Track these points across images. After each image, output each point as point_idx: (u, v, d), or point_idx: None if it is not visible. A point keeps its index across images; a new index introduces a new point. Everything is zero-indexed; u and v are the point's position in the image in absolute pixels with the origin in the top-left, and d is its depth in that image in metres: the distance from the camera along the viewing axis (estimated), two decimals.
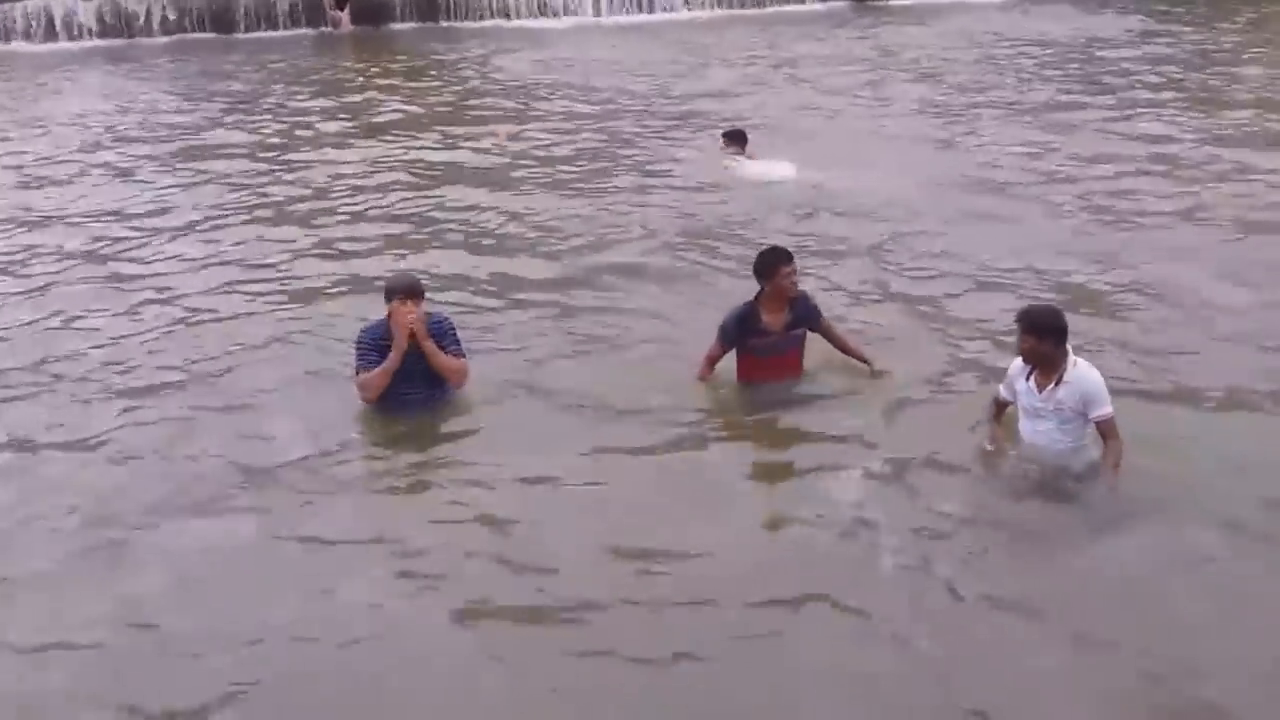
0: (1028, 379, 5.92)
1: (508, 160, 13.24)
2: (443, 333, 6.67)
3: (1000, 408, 6.21)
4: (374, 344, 6.55)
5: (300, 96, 18.40)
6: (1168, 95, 16.27)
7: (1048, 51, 20.57)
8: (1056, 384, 5.78)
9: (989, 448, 6.11)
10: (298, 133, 15.52)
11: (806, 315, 6.79)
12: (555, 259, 9.69)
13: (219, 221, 11.14)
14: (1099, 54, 20.12)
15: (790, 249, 6.88)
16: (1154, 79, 17.59)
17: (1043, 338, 5.78)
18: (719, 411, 6.75)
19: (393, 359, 6.44)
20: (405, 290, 6.49)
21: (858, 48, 21.94)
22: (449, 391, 6.74)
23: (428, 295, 6.80)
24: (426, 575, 5.35)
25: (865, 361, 6.94)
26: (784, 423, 6.59)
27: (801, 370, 6.87)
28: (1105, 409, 5.74)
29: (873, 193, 11.33)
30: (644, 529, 5.59)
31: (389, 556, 5.51)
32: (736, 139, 12.79)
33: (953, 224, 10.31)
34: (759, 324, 6.68)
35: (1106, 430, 5.75)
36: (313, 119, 16.42)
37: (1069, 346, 5.84)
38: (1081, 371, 5.78)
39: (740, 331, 6.71)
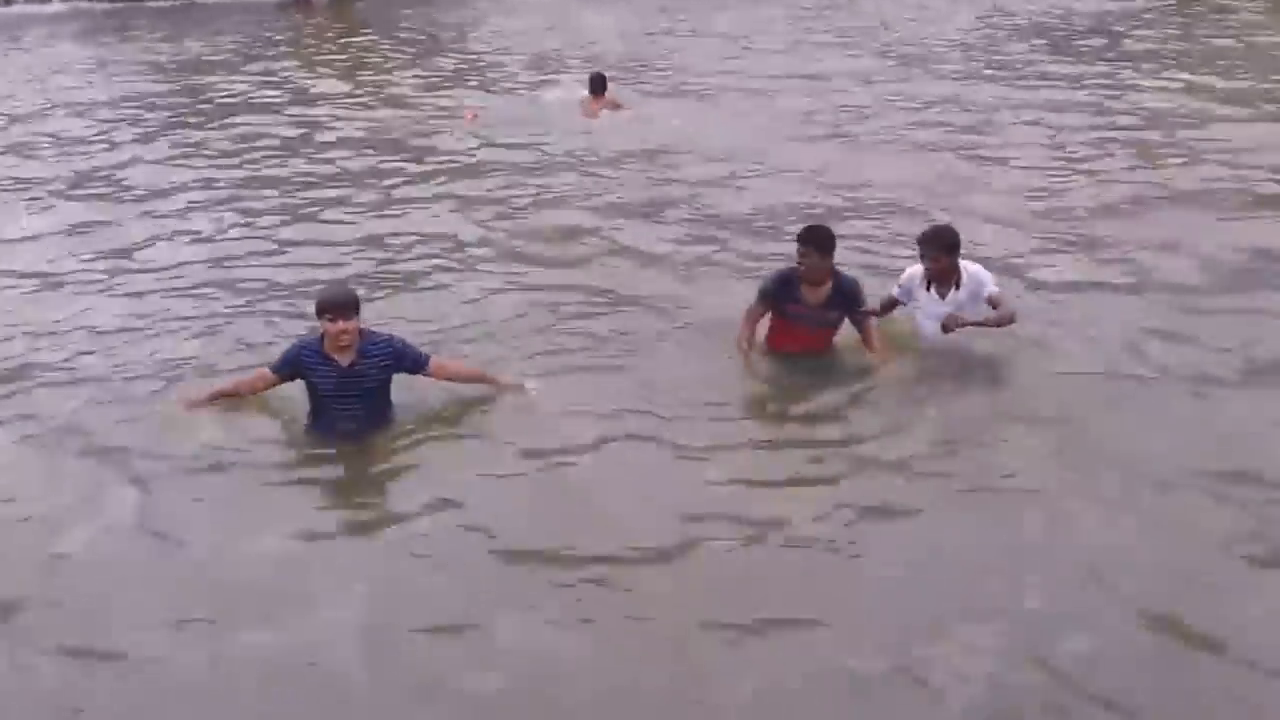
0: (928, 289, 6.57)
1: (472, 143, 12.55)
2: (400, 355, 5.75)
3: (891, 306, 6.78)
4: (295, 359, 5.69)
5: (258, 65, 17.85)
6: (1131, 61, 16.27)
7: (1015, 19, 20.40)
8: (956, 288, 6.49)
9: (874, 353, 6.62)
10: (255, 98, 15.09)
11: (845, 300, 6.60)
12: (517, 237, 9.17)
13: (189, 196, 10.58)
14: (1064, 21, 19.97)
15: (830, 234, 6.52)
16: (1123, 44, 17.50)
17: (950, 253, 6.46)
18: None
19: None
20: (335, 306, 5.53)
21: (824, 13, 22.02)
22: (391, 412, 5.87)
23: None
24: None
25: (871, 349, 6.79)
26: (803, 396, 6.34)
27: (829, 347, 6.69)
28: (992, 287, 6.47)
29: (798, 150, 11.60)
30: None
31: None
32: (596, 84, 13.52)
33: (895, 181, 10.27)
34: (796, 292, 6.56)
35: (997, 300, 6.42)
36: (271, 90, 15.89)
37: None
38: (971, 271, 6.53)
39: (778, 294, 6.59)
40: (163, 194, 10.56)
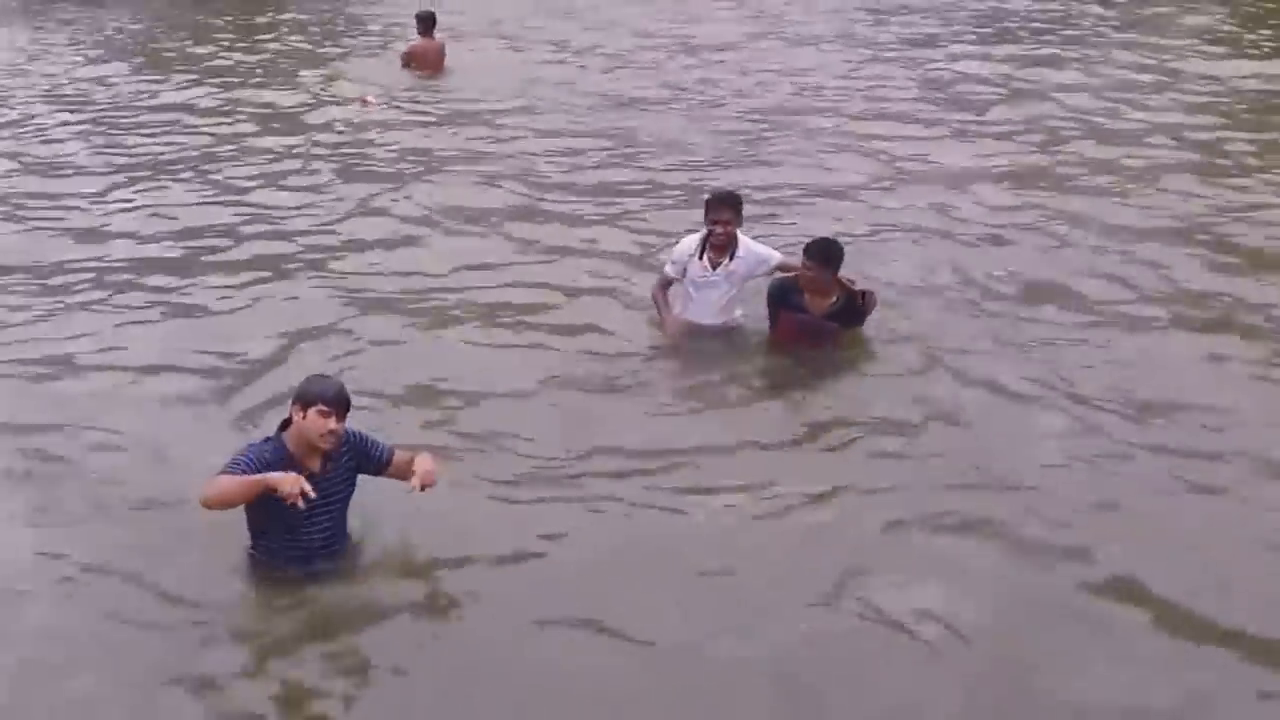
0: (700, 259, 6.92)
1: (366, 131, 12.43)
2: (364, 450, 5.08)
3: (668, 285, 7.15)
4: (265, 463, 4.78)
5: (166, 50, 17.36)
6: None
7: None
8: (731, 259, 6.88)
9: (670, 333, 7.04)
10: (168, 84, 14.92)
11: (850, 314, 6.86)
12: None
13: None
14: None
15: (834, 241, 6.92)
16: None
17: (738, 216, 6.82)
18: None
19: (280, 479, 4.60)
20: (336, 401, 4.81)
21: None
22: (349, 537, 5.23)
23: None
24: None
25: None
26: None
27: (834, 345, 6.90)
28: (779, 255, 7.01)
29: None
30: None
31: None
32: (425, 22, 14.28)
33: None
34: (798, 299, 6.83)
35: (788, 265, 6.91)
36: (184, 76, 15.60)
37: None
38: (748, 244, 6.95)
39: (779, 302, 6.89)
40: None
